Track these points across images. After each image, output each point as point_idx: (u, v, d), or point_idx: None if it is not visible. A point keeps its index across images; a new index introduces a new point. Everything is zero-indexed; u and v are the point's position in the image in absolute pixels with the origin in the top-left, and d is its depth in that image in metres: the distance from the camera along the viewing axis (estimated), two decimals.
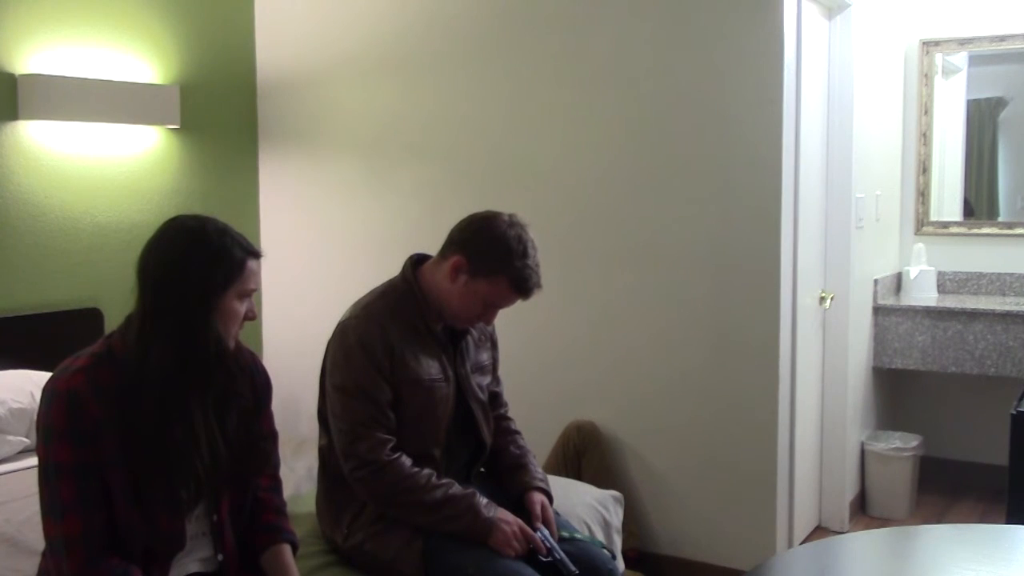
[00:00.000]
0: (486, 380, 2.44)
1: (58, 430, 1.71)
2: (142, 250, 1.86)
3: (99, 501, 1.71)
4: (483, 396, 2.41)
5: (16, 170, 3.40)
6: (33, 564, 2.18)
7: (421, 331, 2.27)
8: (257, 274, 1.87)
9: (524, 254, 2.21)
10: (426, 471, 2.19)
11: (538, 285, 2.25)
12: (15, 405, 2.99)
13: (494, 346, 2.50)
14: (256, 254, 1.86)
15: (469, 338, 2.39)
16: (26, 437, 3.00)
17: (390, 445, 2.18)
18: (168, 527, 1.80)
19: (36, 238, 3.47)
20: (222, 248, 1.80)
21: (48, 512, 1.73)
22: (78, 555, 1.69)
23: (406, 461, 2.18)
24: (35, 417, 2.91)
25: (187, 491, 1.80)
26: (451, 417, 2.30)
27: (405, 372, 2.21)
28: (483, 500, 2.20)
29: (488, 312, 2.28)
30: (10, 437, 2.95)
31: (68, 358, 1.82)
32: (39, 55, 3.45)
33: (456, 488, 2.19)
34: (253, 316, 1.89)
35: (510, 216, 2.26)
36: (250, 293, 1.85)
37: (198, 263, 1.79)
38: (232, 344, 1.87)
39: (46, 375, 3.14)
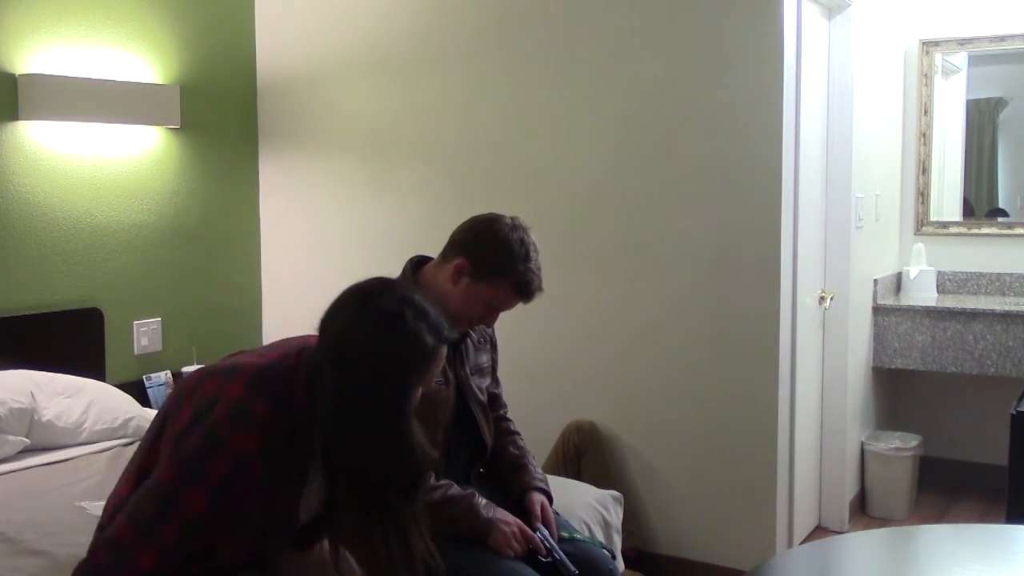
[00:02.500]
0: (485, 382, 2.45)
1: (210, 480, 1.56)
2: (333, 316, 1.64)
3: (185, 558, 1.61)
4: (483, 397, 2.41)
5: (16, 170, 3.40)
6: (33, 564, 2.18)
7: None
8: (443, 358, 1.68)
9: (527, 257, 2.21)
10: None
11: (540, 288, 2.25)
12: (15, 405, 2.98)
13: (493, 348, 2.50)
14: (447, 338, 1.66)
15: (468, 340, 2.39)
16: (26, 437, 2.99)
17: None
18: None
19: (36, 238, 3.47)
20: (418, 339, 1.60)
21: (137, 520, 1.60)
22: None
23: None
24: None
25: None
26: (451, 419, 2.30)
27: None
28: (482, 501, 2.20)
29: (489, 315, 2.29)
30: (10, 437, 2.94)
31: (239, 387, 1.61)
32: (39, 55, 3.45)
33: (455, 489, 2.19)
34: (427, 389, 1.70)
35: (512, 219, 2.26)
36: (432, 378, 1.68)
37: (393, 364, 1.59)
38: (425, 442, 1.69)
39: (46, 375, 3.17)
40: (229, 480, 1.56)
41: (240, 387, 1.61)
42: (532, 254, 2.23)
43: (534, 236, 2.27)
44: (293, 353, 1.68)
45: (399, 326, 1.59)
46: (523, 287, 2.22)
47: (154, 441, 1.70)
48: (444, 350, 1.67)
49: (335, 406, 1.56)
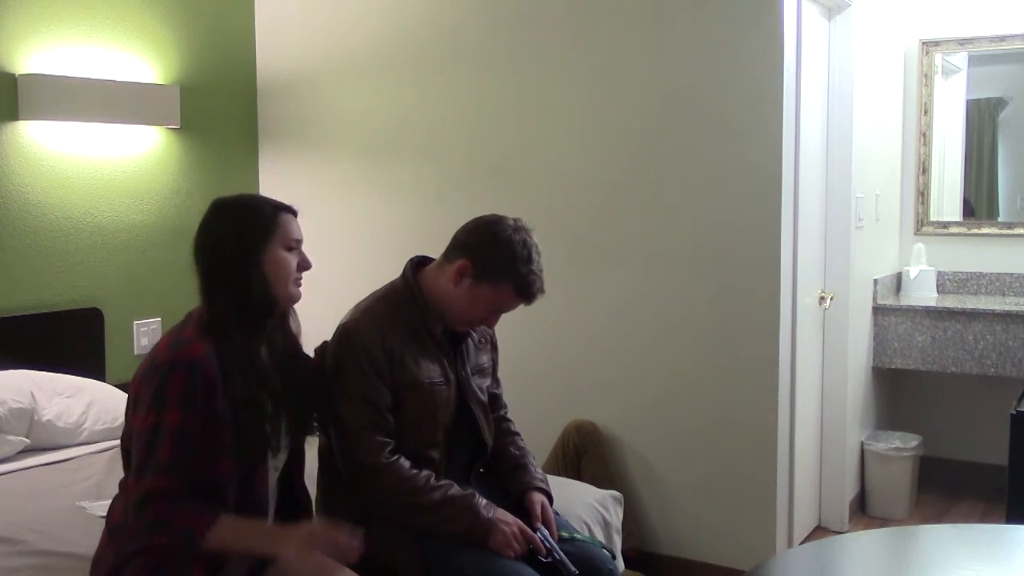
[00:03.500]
0: (486, 382, 2.45)
1: (175, 398, 1.82)
2: (195, 237, 2.01)
3: (186, 467, 1.83)
4: (483, 398, 2.41)
5: (16, 170, 3.40)
6: (33, 564, 2.19)
7: (422, 334, 2.26)
8: (296, 227, 2.02)
9: (529, 259, 2.22)
10: (424, 473, 2.19)
11: (542, 290, 2.26)
12: (15, 405, 2.98)
13: (494, 348, 2.50)
14: (288, 209, 2.02)
15: (469, 340, 2.39)
16: (26, 437, 3.00)
17: (389, 448, 2.17)
18: (259, 484, 1.97)
19: (36, 238, 3.47)
20: (251, 207, 1.99)
21: (138, 470, 1.83)
22: (161, 503, 1.80)
23: (404, 463, 2.18)
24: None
25: (260, 442, 1.95)
26: (451, 419, 2.30)
27: (405, 375, 2.21)
28: (482, 501, 2.20)
29: (491, 316, 2.30)
30: (10, 437, 2.95)
31: (169, 337, 1.95)
32: (39, 55, 3.45)
33: (455, 489, 2.19)
34: (307, 265, 2.03)
35: (515, 220, 2.27)
36: (295, 244, 2.01)
37: (232, 225, 1.96)
38: (293, 292, 2.01)
39: (46, 375, 3.17)
40: (191, 387, 1.83)
41: (168, 337, 1.95)
42: (534, 256, 2.24)
43: (536, 237, 2.27)
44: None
45: (230, 208, 2.00)
46: (525, 289, 2.23)
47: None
48: (285, 216, 2.00)
49: (201, 285, 1.98)
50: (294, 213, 2.03)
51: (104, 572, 1.91)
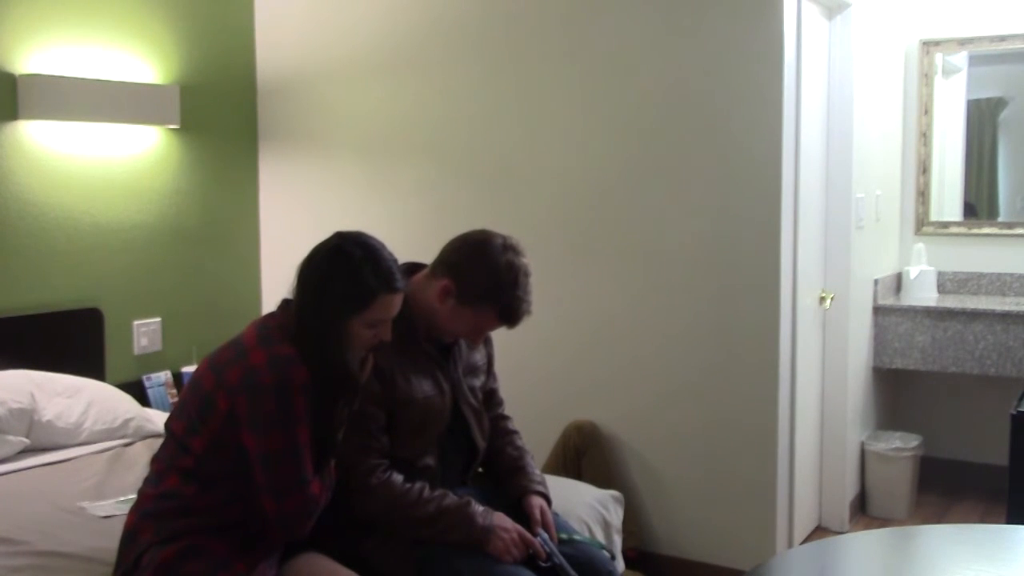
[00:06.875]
0: (479, 380, 2.41)
1: (298, 416, 1.92)
2: (308, 254, 2.03)
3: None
4: (476, 400, 2.37)
5: (16, 170, 3.40)
6: (33, 564, 2.18)
7: (410, 347, 2.23)
8: (391, 305, 2.00)
9: (514, 284, 2.17)
10: (417, 485, 2.16)
11: (527, 313, 2.22)
12: (15, 405, 2.98)
13: (487, 342, 2.47)
14: (394, 288, 1.99)
15: (460, 340, 2.36)
16: (26, 437, 2.99)
17: (381, 468, 2.15)
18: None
19: (36, 238, 3.47)
20: (358, 276, 1.96)
21: (289, 486, 1.93)
22: (322, 501, 2.00)
23: (397, 479, 2.15)
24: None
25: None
26: (446, 426, 2.29)
27: (398, 393, 2.18)
28: (478, 508, 2.17)
29: (475, 335, 2.28)
30: (10, 437, 2.94)
31: (264, 352, 1.95)
32: (39, 55, 3.45)
33: (449, 499, 2.17)
34: (386, 339, 2.03)
35: (504, 240, 2.22)
36: (378, 323, 2.00)
37: (340, 280, 1.97)
38: (356, 363, 2.01)
39: (46, 375, 3.17)
40: (305, 405, 1.93)
41: (262, 352, 1.94)
42: (520, 279, 2.19)
43: (528, 255, 2.23)
44: (270, 313, 2.09)
45: (345, 259, 1.98)
46: (507, 315, 2.20)
47: (185, 436, 2.00)
48: (390, 297, 1.98)
49: (297, 293, 2.01)
50: (397, 290, 2.01)
51: (139, 551, 1.97)
